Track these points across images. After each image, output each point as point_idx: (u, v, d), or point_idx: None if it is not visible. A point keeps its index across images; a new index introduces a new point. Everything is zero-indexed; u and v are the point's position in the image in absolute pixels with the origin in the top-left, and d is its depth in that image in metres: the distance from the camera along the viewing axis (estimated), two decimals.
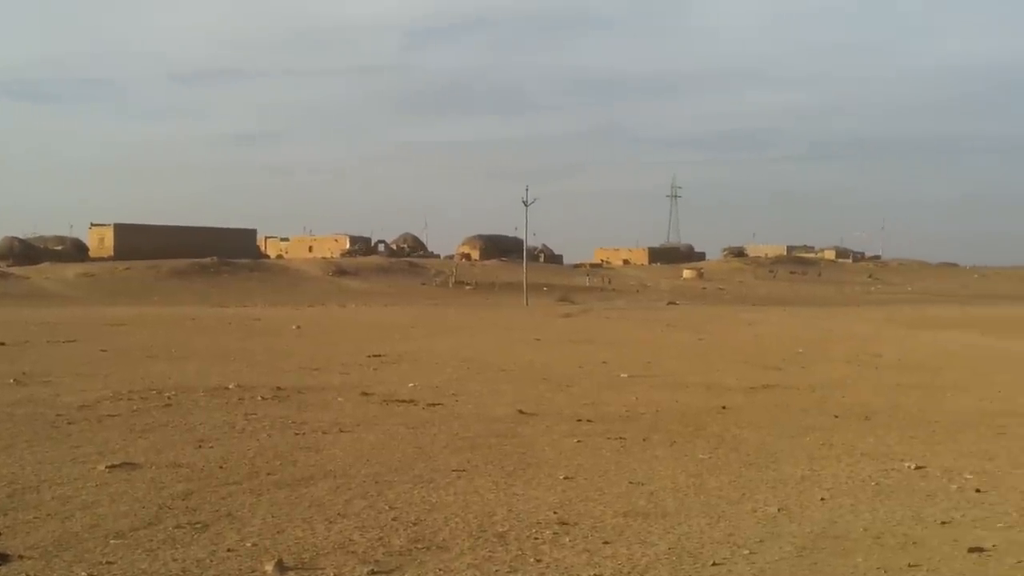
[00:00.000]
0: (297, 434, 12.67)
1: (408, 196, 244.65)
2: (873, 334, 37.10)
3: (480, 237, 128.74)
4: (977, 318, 50.97)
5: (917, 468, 10.76)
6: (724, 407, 15.67)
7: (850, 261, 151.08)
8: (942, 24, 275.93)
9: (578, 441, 12.33)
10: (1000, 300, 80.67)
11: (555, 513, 8.65)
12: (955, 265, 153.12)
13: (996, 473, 10.60)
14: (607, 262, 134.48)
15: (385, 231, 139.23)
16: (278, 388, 17.34)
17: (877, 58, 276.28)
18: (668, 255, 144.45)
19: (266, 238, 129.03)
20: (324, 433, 12.76)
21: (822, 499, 9.32)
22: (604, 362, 23.53)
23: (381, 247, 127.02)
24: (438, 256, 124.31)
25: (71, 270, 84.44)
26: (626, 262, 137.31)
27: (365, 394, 16.76)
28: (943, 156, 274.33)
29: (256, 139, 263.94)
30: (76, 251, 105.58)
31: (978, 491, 9.69)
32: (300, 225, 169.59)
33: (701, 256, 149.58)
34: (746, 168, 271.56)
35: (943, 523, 8.52)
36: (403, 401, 15.89)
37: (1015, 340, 33.90)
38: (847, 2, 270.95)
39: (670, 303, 69.37)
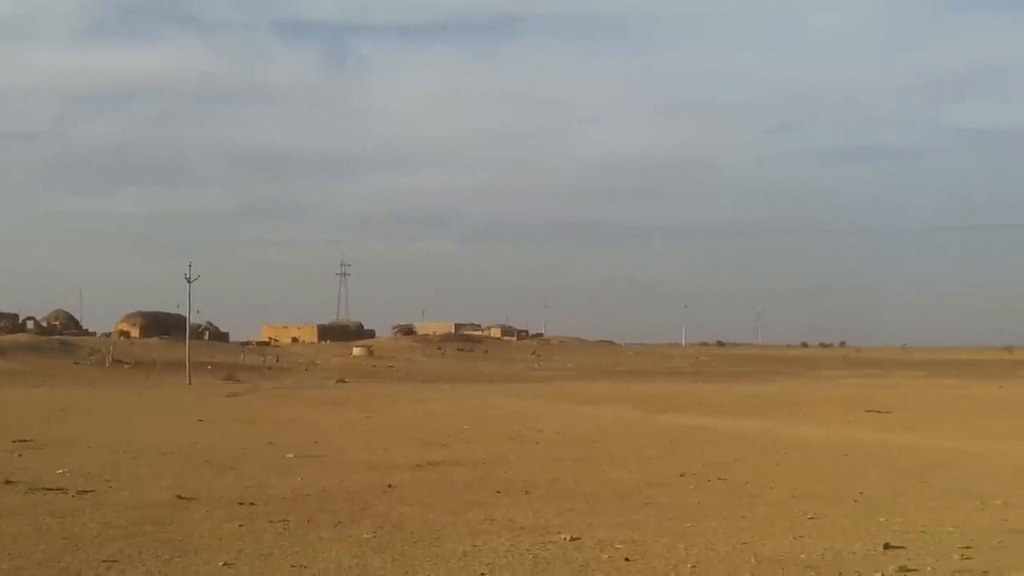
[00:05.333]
0: None
1: (62, 270, 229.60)
2: (535, 410, 38.49)
3: (140, 314, 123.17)
4: (630, 393, 53.97)
5: (572, 539, 11.21)
6: (390, 485, 15.74)
7: (515, 339, 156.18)
8: (604, 116, 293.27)
9: (240, 525, 12.00)
10: (650, 376, 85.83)
11: None
12: (612, 343, 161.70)
13: (644, 542, 11.21)
14: (275, 340, 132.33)
15: (35, 307, 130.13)
16: None
17: (540, 144, 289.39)
18: (338, 333, 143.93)
19: None
20: None
21: (483, 574, 9.52)
22: (270, 443, 23.08)
23: (30, 324, 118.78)
24: (94, 334, 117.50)
25: None
26: (295, 340, 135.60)
27: (8, 482, 15.62)
28: (602, 240, 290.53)
29: None
30: None
31: (627, 560, 10.22)
32: None
33: (371, 334, 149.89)
34: (415, 247, 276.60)
35: None
36: (51, 489, 14.94)
37: (662, 414, 36.20)
38: (515, 89, 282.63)
39: (339, 381, 69.04)
